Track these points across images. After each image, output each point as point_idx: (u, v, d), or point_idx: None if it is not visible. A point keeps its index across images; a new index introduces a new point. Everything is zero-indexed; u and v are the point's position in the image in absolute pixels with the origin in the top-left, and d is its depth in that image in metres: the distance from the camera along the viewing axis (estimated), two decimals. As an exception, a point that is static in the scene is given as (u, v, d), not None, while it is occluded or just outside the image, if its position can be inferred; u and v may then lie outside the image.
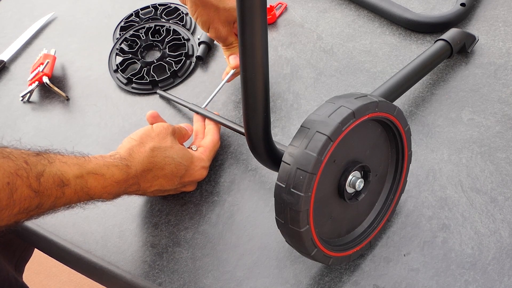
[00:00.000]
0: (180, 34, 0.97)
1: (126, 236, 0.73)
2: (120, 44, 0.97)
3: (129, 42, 0.98)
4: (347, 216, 0.65)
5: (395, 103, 0.81)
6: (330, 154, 0.55)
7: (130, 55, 0.95)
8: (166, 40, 0.96)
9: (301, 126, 0.57)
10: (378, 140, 0.63)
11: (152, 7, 1.03)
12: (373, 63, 0.87)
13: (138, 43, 0.97)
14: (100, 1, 1.09)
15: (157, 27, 0.98)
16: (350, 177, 0.60)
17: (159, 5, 1.03)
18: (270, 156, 0.62)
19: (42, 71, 0.92)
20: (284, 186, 0.55)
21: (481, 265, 0.64)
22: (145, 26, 0.98)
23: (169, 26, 0.98)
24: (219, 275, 0.67)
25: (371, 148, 0.63)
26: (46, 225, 0.75)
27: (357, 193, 0.63)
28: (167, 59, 0.94)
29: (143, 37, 0.97)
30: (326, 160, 0.55)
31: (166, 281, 0.68)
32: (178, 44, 0.96)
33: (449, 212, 0.69)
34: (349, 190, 0.61)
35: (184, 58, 0.93)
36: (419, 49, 0.88)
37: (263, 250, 0.69)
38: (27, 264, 0.97)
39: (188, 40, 0.96)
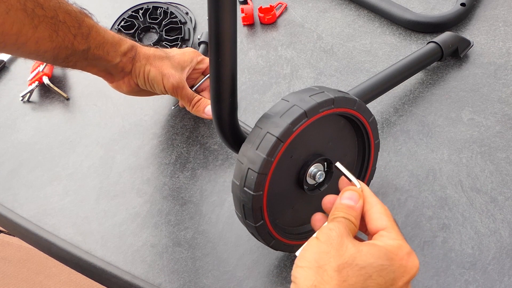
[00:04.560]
0: (177, 17, 0.95)
1: (126, 236, 0.73)
2: (118, 25, 0.95)
3: (129, 23, 0.95)
4: (311, 205, 0.64)
5: (391, 100, 0.82)
6: (283, 152, 0.55)
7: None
8: (163, 23, 0.94)
9: (255, 125, 0.57)
10: (341, 132, 0.63)
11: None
12: (373, 63, 0.87)
13: (136, 25, 0.95)
14: (100, 1, 1.09)
15: (156, 9, 0.96)
16: (310, 169, 0.60)
17: (159, 5, 1.03)
18: (236, 139, 0.62)
19: (42, 71, 0.92)
20: (238, 184, 0.57)
21: (481, 265, 0.64)
22: (143, 7, 0.97)
23: (167, 8, 0.96)
24: (219, 275, 0.67)
25: (333, 140, 0.63)
26: (46, 225, 0.75)
27: (319, 184, 0.63)
28: (163, 43, 0.92)
29: (141, 18, 0.96)
30: (277, 161, 0.55)
31: (166, 281, 0.68)
32: (175, 27, 0.94)
33: (449, 212, 0.69)
34: (310, 181, 0.62)
35: (180, 42, 0.92)
36: (419, 49, 0.88)
37: (263, 249, 0.69)
38: (27, 264, 0.97)
39: (185, 23, 0.95)
